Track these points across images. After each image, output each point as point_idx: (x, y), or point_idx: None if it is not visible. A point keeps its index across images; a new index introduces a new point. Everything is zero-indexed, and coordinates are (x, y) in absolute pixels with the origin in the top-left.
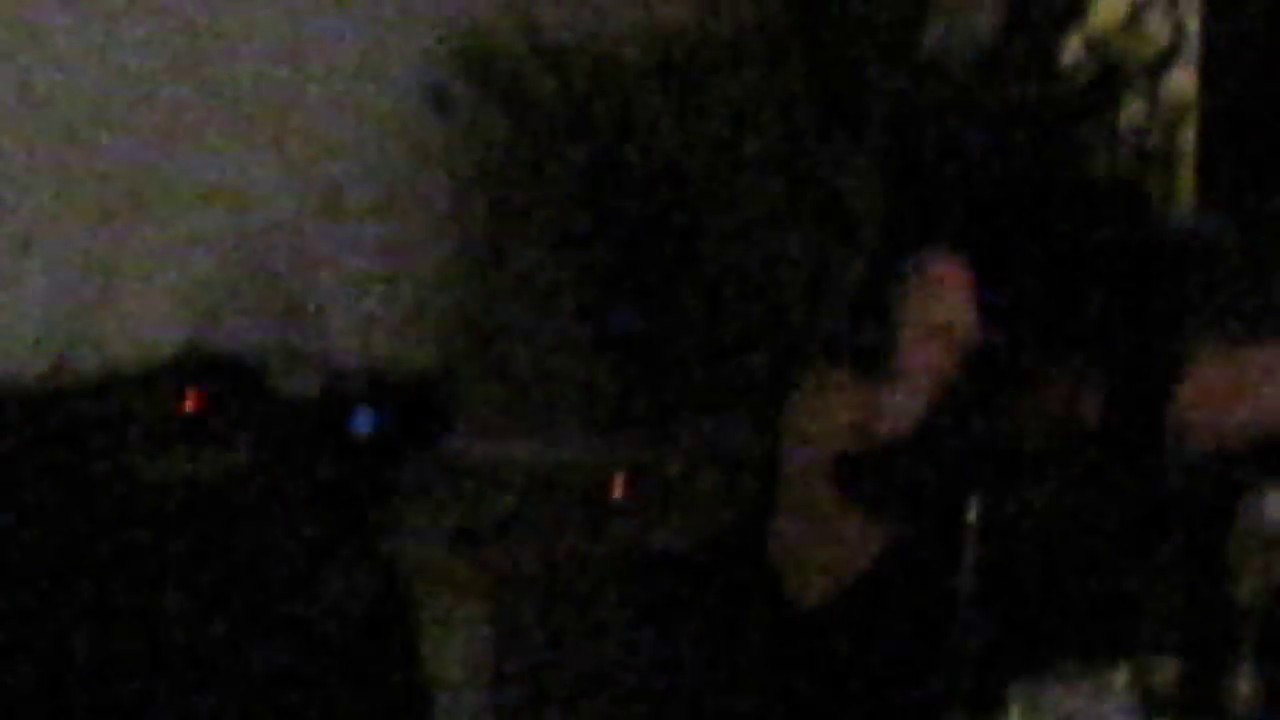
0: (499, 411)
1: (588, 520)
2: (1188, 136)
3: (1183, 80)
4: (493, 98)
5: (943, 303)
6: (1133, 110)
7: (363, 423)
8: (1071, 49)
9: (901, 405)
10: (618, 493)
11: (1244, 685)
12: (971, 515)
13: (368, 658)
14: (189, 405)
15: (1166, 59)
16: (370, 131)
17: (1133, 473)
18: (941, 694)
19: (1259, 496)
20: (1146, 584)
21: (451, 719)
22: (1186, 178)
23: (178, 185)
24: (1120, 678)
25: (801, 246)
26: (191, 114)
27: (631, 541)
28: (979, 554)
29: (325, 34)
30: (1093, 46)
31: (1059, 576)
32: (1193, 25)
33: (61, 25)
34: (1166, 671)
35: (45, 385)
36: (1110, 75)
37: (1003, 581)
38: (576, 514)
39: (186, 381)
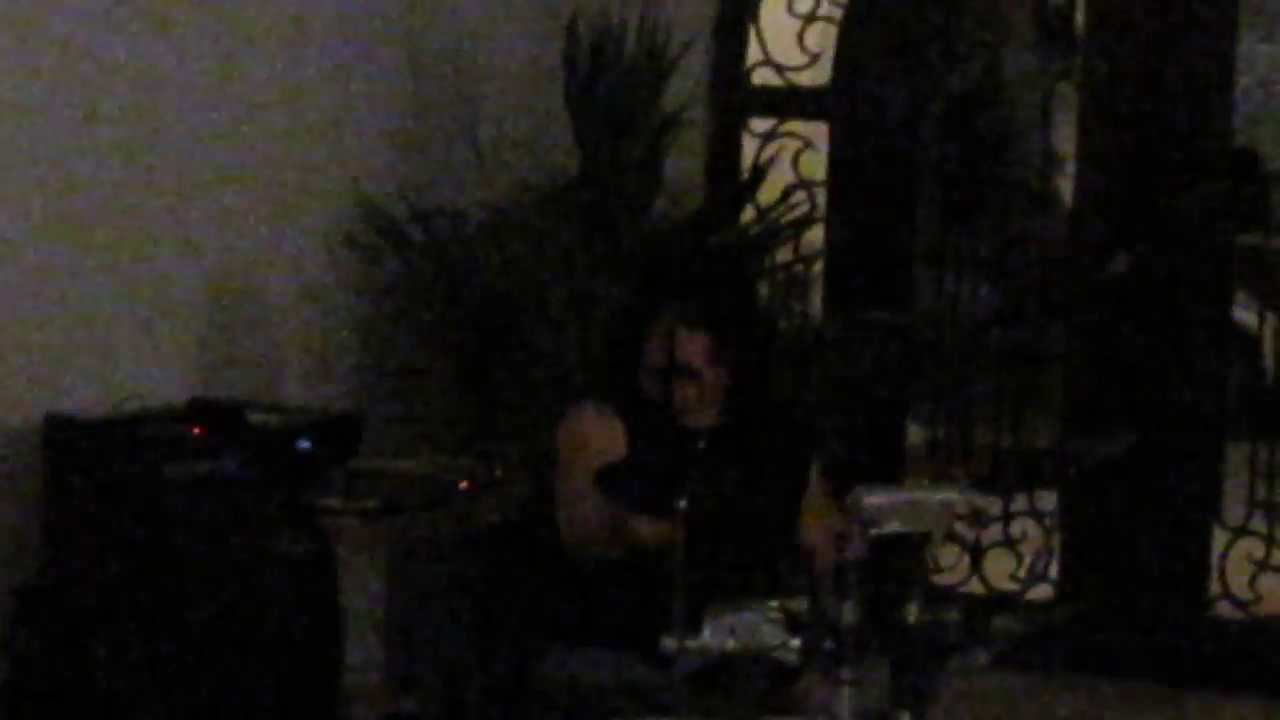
0: (388, 440)
1: (444, 504)
2: (818, 269)
3: (812, 236)
4: (384, 241)
5: None
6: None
7: (303, 445)
8: (747, 213)
9: None
10: (462, 488)
11: (848, 613)
12: (681, 504)
13: (301, 593)
14: (195, 431)
15: (804, 222)
16: (305, 259)
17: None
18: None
19: (859, 495)
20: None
21: (356, 639)
22: (817, 296)
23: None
24: (771, 605)
25: (575, 339)
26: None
27: (470, 518)
28: (687, 530)
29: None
30: (761, 212)
31: (736, 547)
32: (820, 198)
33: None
34: (800, 603)
35: (110, 417)
36: (775, 230)
37: (702, 550)
38: (437, 500)
39: (194, 417)
